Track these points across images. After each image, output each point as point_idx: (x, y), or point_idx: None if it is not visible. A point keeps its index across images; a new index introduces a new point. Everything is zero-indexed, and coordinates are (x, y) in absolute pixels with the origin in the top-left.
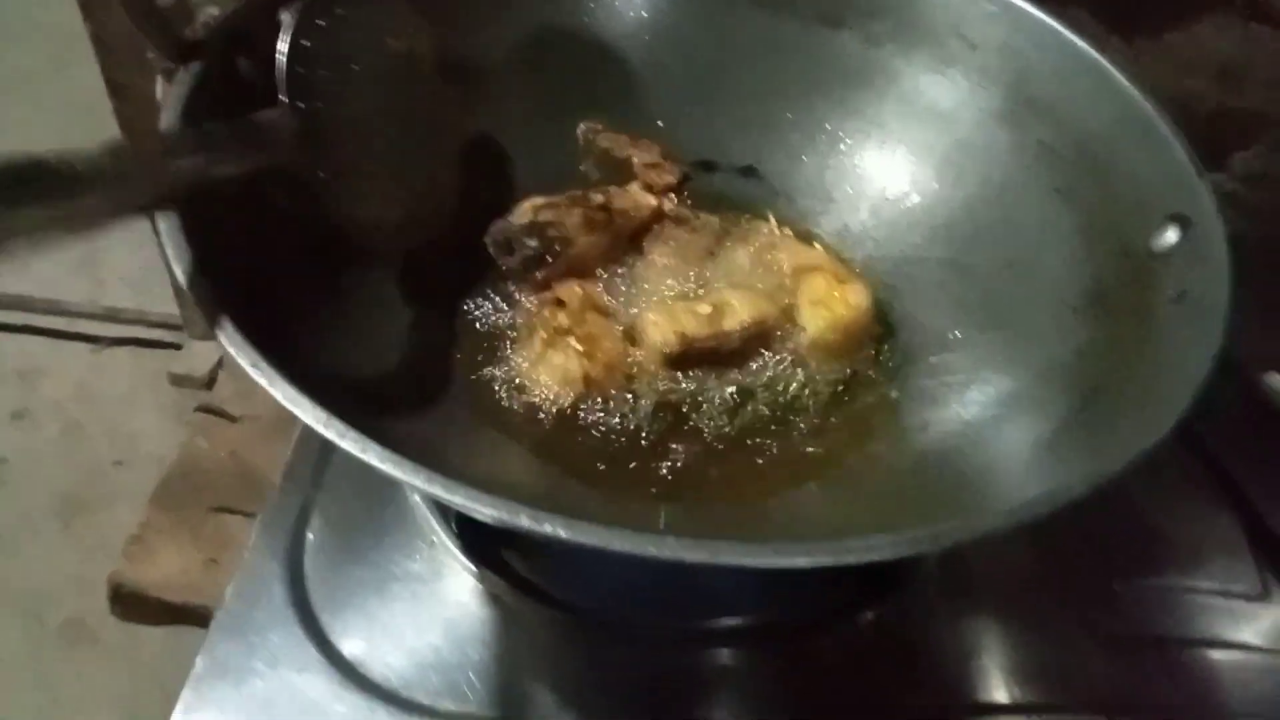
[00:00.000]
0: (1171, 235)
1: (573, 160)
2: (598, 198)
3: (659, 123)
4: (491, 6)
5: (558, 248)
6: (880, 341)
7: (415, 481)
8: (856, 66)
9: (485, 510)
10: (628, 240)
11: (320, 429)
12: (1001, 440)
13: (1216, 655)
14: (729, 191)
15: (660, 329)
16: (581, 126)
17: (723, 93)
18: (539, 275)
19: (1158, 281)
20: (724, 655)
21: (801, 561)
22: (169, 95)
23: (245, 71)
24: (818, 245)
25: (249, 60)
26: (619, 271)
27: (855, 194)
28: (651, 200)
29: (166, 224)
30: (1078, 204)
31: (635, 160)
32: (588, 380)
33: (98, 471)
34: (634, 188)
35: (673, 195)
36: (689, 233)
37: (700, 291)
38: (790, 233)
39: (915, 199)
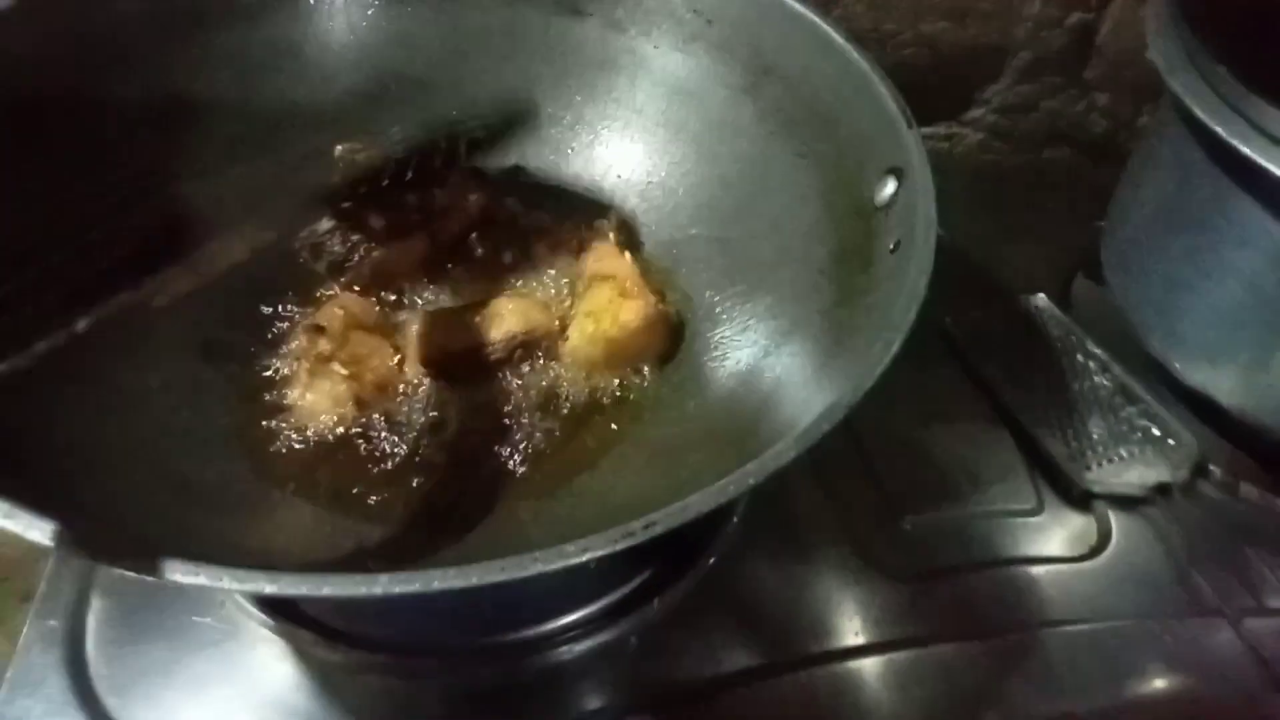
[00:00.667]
0: (890, 186)
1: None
2: (412, 199)
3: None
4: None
5: (361, 253)
6: (669, 355)
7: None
8: (605, 53)
9: (181, 579)
10: (450, 246)
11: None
12: (766, 397)
13: (1004, 572)
14: (501, 195)
15: (423, 340)
16: (338, 149)
17: (480, 93)
18: (342, 280)
19: (880, 232)
20: (550, 658)
21: (523, 573)
22: None
23: None
24: (627, 255)
25: None
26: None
27: (622, 181)
28: (474, 199)
29: None
30: (817, 165)
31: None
32: (359, 402)
33: None
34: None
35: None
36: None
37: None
38: (612, 239)
39: (677, 180)
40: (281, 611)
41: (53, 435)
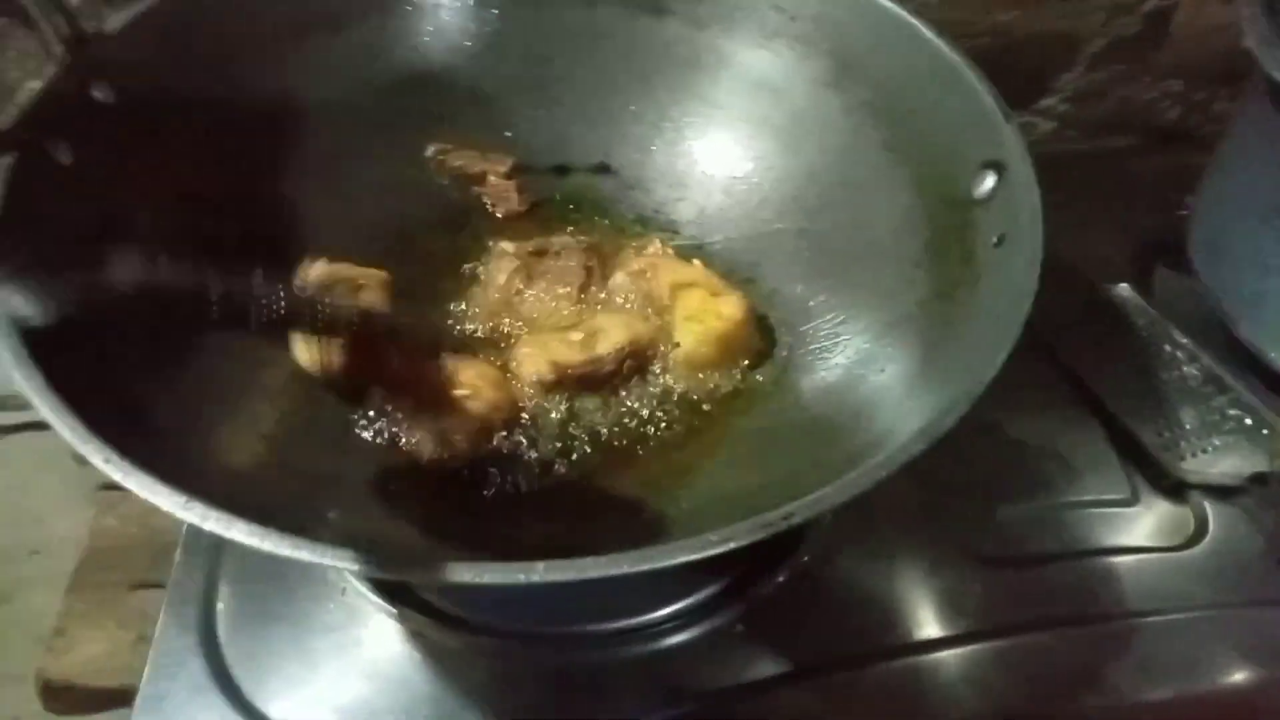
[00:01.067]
0: (989, 181)
1: (430, 182)
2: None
3: (507, 133)
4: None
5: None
6: (763, 349)
7: (282, 551)
8: (687, 51)
9: (349, 565)
10: None
11: (181, 514)
12: (870, 389)
13: (1100, 562)
14: (586, 191)
15: (534, 360)
16: (430, 149)
17: (564, 94)
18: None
19: (980, 227)
20: (651, 646)
21: (674, 560)
22: None
23: (60, 155)
24: (696, 262)
25: (65, 142)
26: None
27: (707, 177)
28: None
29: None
30: (906, 158)
31: (489, 177)
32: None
33: (11, 562)
34: None
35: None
36: (555, 261)
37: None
38: (670, 251)
39: (762, 174)
40: (398, 598)
41: (178, 422)
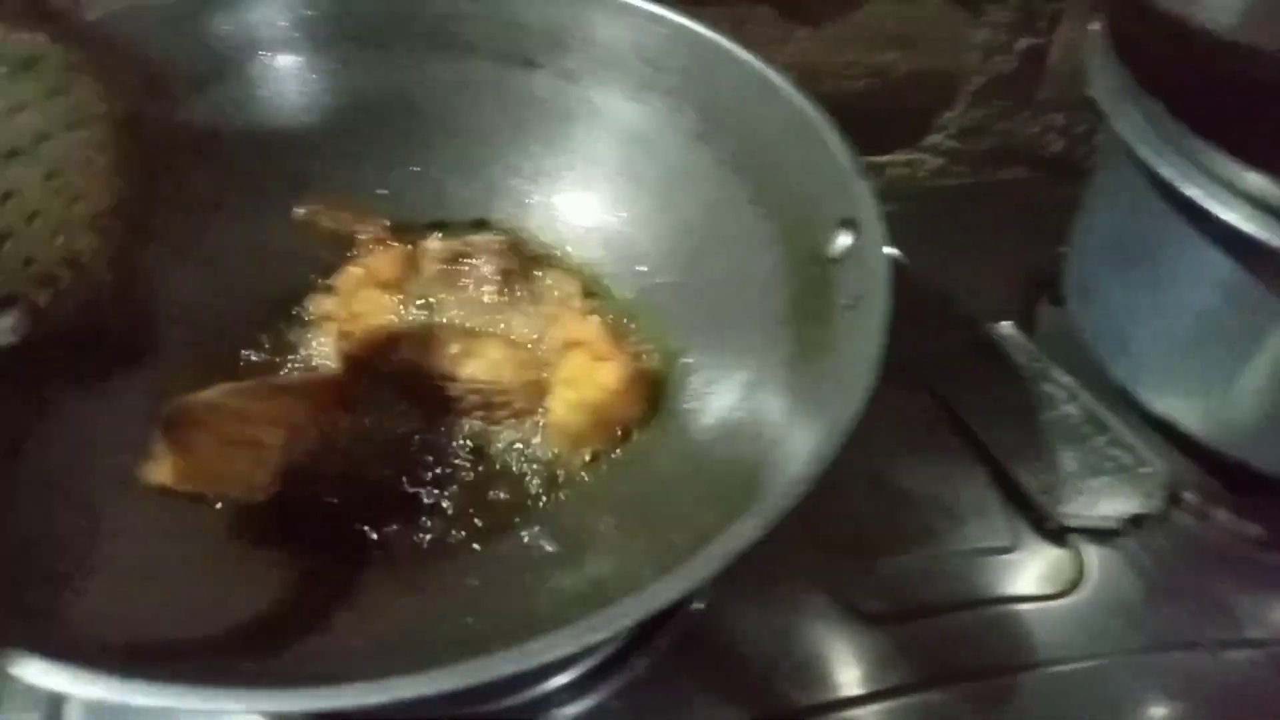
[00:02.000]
0: (845, 239)
1: (302, 247)
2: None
3: (381, 191)
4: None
5: None
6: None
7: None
8: (560, 104)
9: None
10: None
11: None
12: (751, 444)
13: (980, 613)
14: None
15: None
16: (300, 211)
17: (438, 149)
18: None
19: (835, 287)
20: None
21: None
22: None
23: None
24: (594, 318)
25: None
26: None
27: (585, 231)
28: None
29: None
30: (771, 212)
31: (361, 237)
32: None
33: None
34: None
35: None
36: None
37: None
38: (576, 304)
39: (638, 228)
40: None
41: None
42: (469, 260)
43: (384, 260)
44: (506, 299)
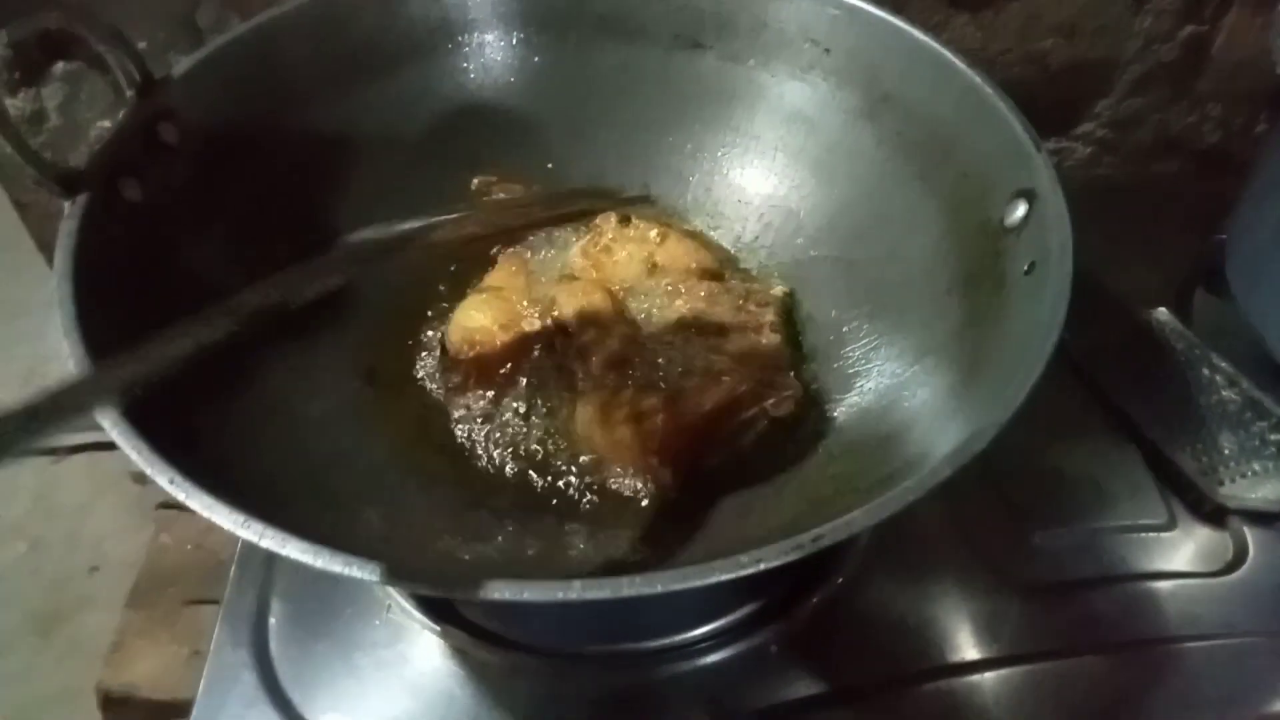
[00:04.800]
0: (1020, 209)
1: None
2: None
3: (549, 165)
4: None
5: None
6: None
7: (334, 568)
8: (724, 84)
9: (405, 584)
10: None
11: (240, 532)
12: (903, 414)
13: (1137, 587)
14: None
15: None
16: (475, 181)
17: (604, 127)
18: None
19: (1012, 255)
20: (688, 665)
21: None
22: (60, 236)
23: (130, 195)
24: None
25: (134, 180)
26: None
27: (743, 205)
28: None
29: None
30: (938, 189)
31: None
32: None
33: (71, 581)
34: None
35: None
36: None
37: None
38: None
39: (797, 203)
40: (442, 615)
41: (251, 467)
42: None
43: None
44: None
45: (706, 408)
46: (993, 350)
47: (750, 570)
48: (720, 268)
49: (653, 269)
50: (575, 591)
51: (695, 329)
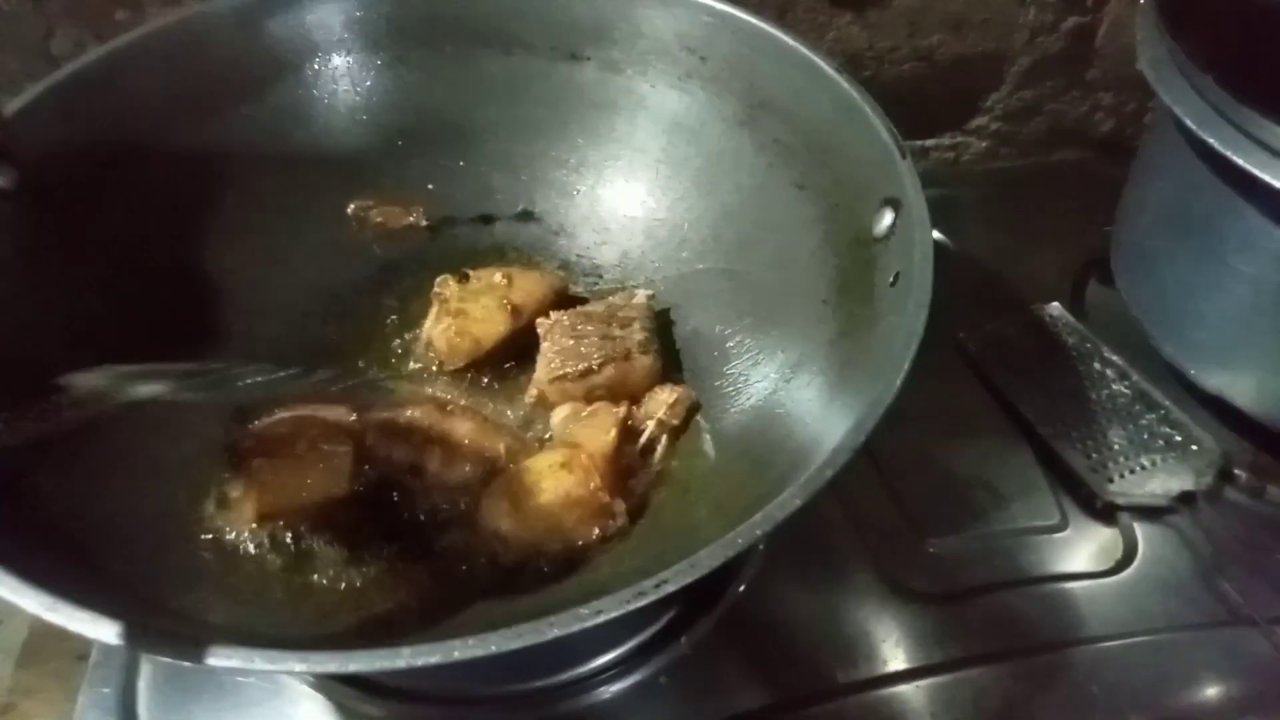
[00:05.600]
0: (888, 218)
1: (353, 245)
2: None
3: (429, 186)
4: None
5: None
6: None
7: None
8: (605, 94)
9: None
10: None
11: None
12: (783, 424)
13: (1032, 591)
14: (511, 239)
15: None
16: (351, 206)
17: (485, 143)
18: None
19: (880, 265)
20: (586, 700)
21: (544, 637)
22: None
23: None
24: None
25: None
26: None
27: (629, 220)
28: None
29: None
30: (816, 196)
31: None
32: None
33: None
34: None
35: None
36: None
37: None
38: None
39: (682, 215)
40: None
41: (93, 511)
42: None
43: None
44: None
45: (610, 436)
46: (859, 364)
47: (591, 622)
48: (567, 288)
49: (513, 312)
50: (403, 659)
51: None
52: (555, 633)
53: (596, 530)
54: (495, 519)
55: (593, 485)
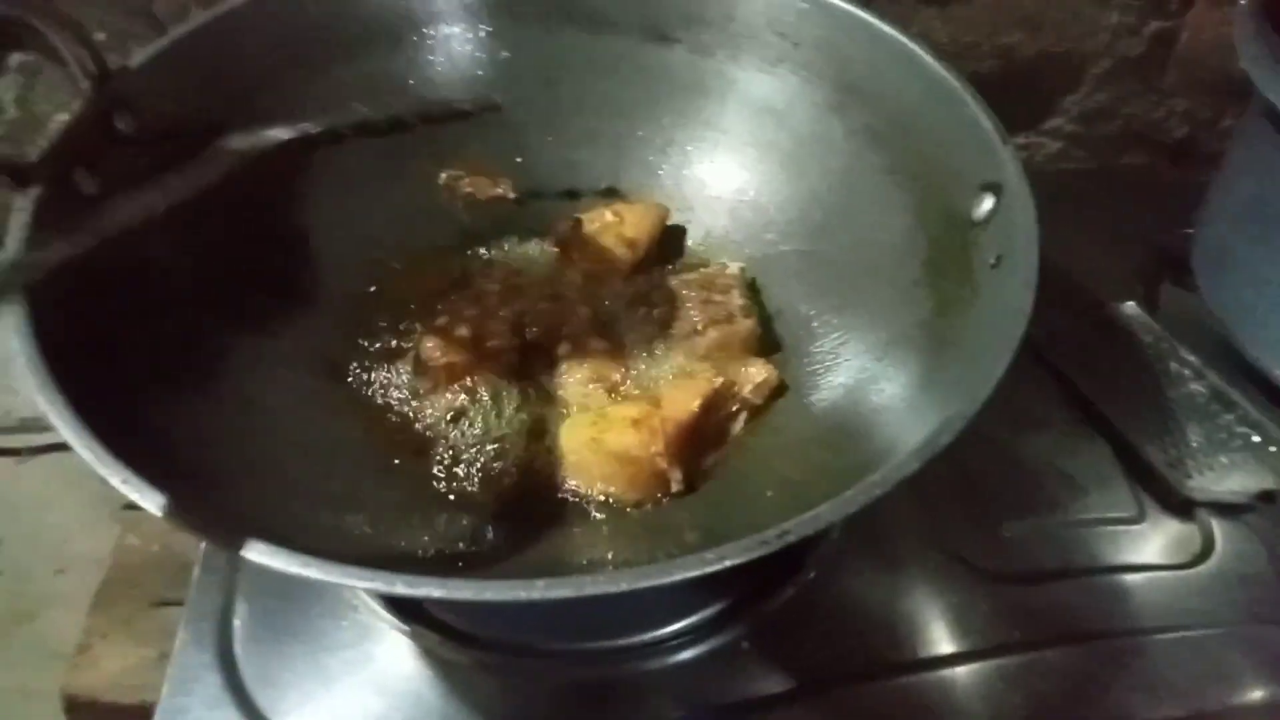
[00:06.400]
0: (988, 202)
1: (441, 211)
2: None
3: (518, 159)
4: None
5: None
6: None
7: (291, 569)
8: (693, 77)
9: (360, 584)
10: None
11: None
12: (872, 407)
13: (1106, 579)
14: None
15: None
16: (443, 176)
17: (572, 120)
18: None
19: (979, 248)
20: (660, 662)
21: (672, 578)
22: (11, 228)
23: (85, 186)
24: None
25: (88, 173)
26: None
27: (712, 199)
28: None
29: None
30: (907, 181)
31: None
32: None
33: (36, 582)
34: None
35: None
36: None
37: None
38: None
39: (766, 197)
40: (410, 614)
41: (196, 440)
42: None
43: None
44: None
45: (694, 406)
46: (959, 343)
47: (714, 567)
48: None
49: (630, 245)
50: (537, 592)
51: (675, 335)
52: (680, 574)
53: (647, 493)
54: (571, 444)
55: (654, 449)
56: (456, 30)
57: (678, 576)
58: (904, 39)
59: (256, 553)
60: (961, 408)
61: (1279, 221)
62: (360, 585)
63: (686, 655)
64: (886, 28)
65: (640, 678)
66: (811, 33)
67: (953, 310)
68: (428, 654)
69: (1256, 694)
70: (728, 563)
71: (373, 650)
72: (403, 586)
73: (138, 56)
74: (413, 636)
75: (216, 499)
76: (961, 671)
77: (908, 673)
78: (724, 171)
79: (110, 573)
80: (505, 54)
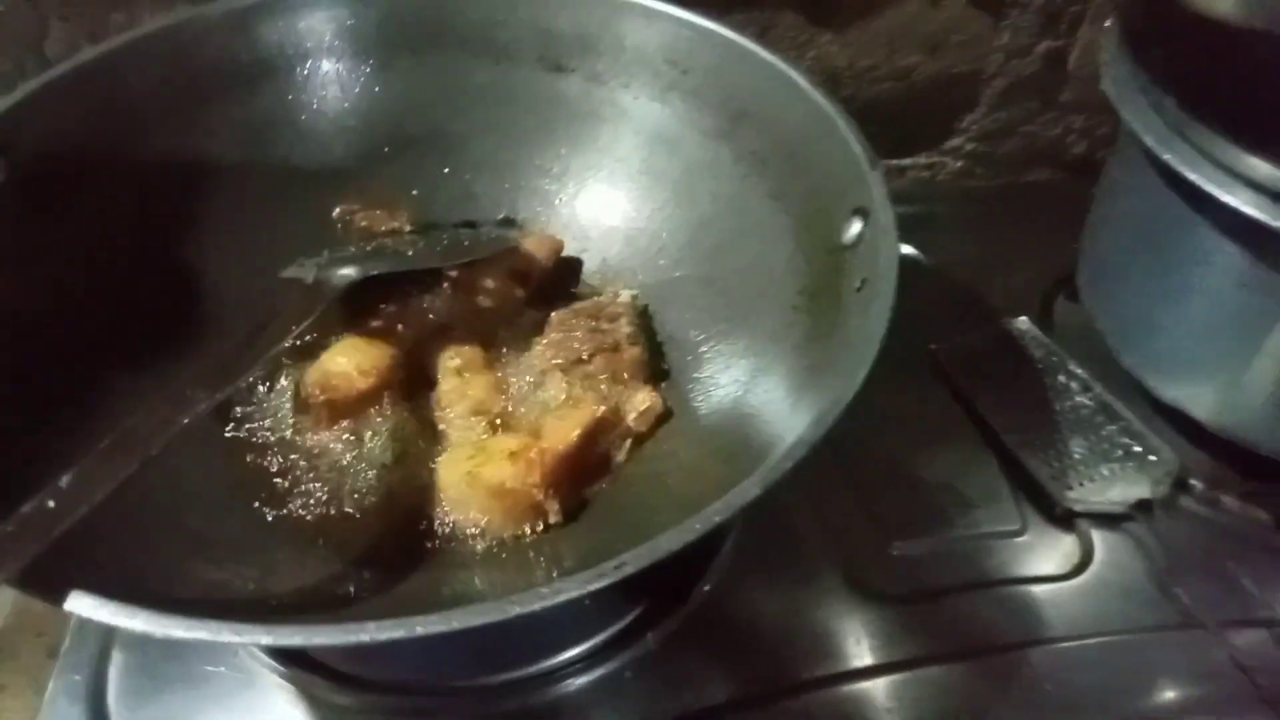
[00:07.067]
0: (856, 226)
1: (336, 243)
2: None
3: (413, 191)
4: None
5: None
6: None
7: (117, 621)
8: (588, 105)
9: (184, 635)
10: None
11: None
12: (749, 426)
13: (992, 593)
14: None
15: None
16: (336, 210)
17: (467, 150)
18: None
19: (847, 271)
20: (551, 693)
21: (506, 615)
22: None
23: None
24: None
25: None
26: None
27: (608, 228)
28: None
29: None
30: (790, 205)
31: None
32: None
33: None
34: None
35: None
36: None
37: None
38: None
39: (659, 223)
40: (292, 659)
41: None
42: None
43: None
44: None
45: (574, 436)
46: (827, 363)
47: (549, 602)
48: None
49: (522, 279)
50: (368, 634)
51: (559, 366)
52: (517, 610)
53: (526, 526)
54: (449, 478)
55: (530, 481)
56: (349, 64)
57: (512, 613)
58: (784, 66)
59: (79, 605)
60: (805, 433)
61: (1149, 240)
62: (184, 636)
63: (576, 686)
64: (768, 56)
65: (528, 713)
66: (700, 61)
67: (823, 335)
68: (314, 699)
69: (1139, 701)
70: (563, 597)
71: (253, 698)
72: (229, 634)
73: (7, 98)
74: (295, 682)
75: (67, 546)
76: (856, 689)
77: (800, 693)
78: (619, 199)
79: (9, 620)
80: (398, 85)
